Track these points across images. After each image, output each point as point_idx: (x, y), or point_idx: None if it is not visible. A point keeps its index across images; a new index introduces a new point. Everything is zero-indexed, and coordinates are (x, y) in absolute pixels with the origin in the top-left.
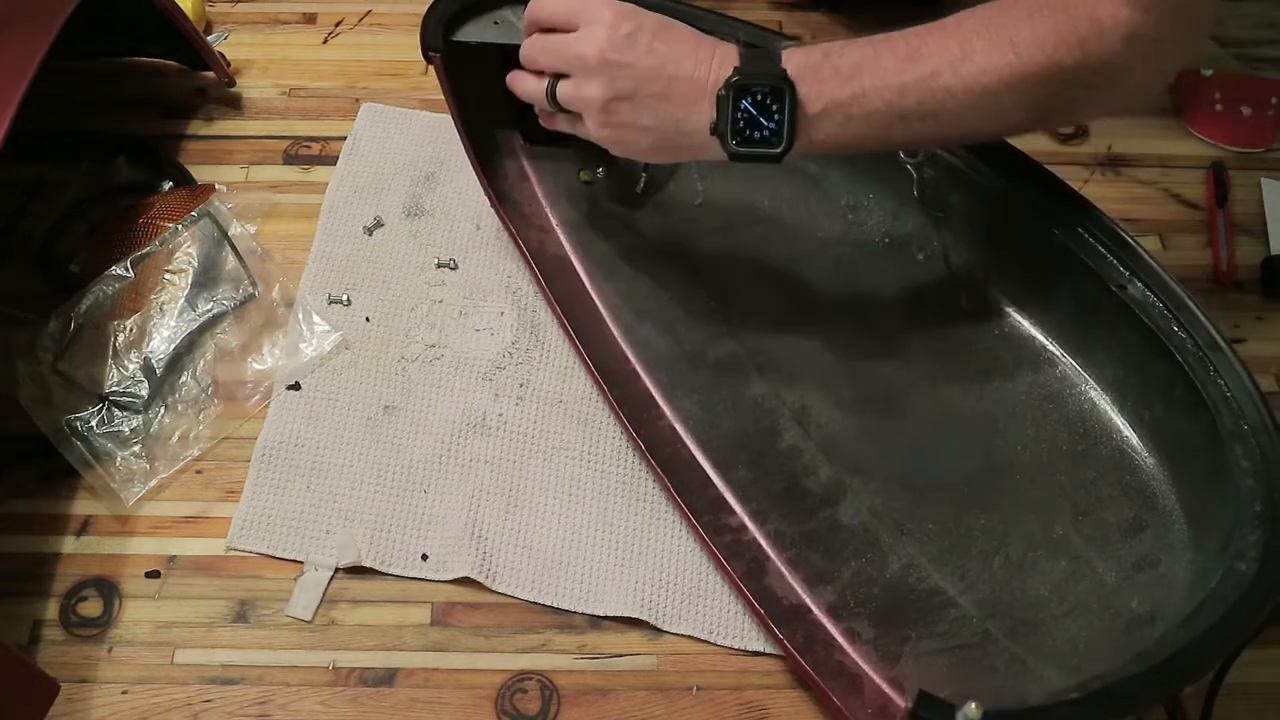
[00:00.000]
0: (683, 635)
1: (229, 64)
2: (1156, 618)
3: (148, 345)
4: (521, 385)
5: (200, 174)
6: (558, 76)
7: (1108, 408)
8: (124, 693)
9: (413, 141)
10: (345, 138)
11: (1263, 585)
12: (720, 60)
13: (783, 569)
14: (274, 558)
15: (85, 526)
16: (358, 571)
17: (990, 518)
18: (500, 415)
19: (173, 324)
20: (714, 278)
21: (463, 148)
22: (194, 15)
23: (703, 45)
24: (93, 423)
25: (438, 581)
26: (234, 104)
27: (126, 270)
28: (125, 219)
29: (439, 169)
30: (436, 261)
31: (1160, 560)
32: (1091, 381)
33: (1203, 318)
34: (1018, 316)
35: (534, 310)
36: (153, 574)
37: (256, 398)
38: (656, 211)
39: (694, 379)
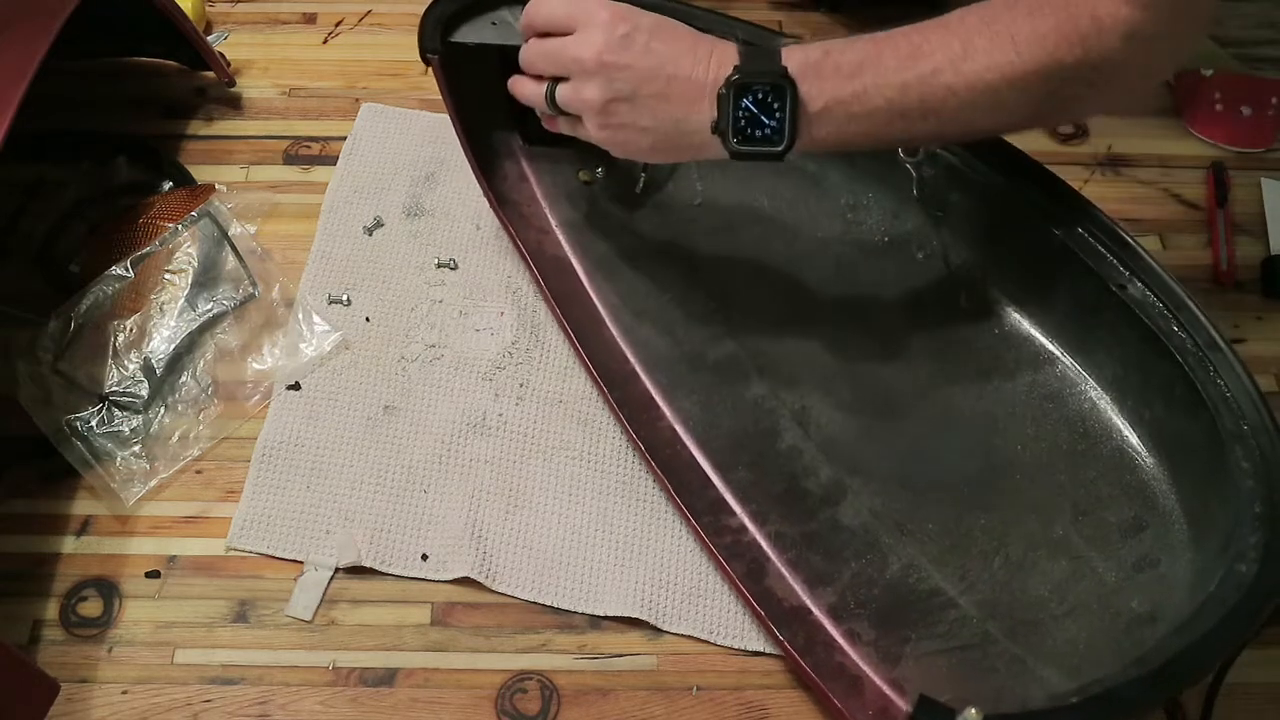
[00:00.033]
0: (683, 635)
1: (229, 64)
2: (1156, 618)
3: (148, 345)
4: (521, 385)
5: (200, 174)
6: (557, 80)
7: (1108, 407)
8: (124, 693)
9: (413, 141)
10: (345, 138)
11: (1262, 588)
12: (719, 59)
13: (783, 570)
14: (274, 558)
15: (85, 526)
16: (358, 571)
17: (990, 518)
18: (500, 415)
19: (173, 324)
20: (713, 278)
21: (462, 149)
22: (194, 15)
23: (700, 44)
24: (93, 423)
25: (438, 581)
26: (234, 104)
27: (126, 270)
28: (125, 219)
29: (439, 169)
30: (436, 261)
31: (1160, 560)
32: (1091, 381)
33: (1203, 318)
34: (1017, 316)
35: (534, 310)
36: (153, 574)
37: (256, 398)
38: (656, 212)
39: (694, 379)
